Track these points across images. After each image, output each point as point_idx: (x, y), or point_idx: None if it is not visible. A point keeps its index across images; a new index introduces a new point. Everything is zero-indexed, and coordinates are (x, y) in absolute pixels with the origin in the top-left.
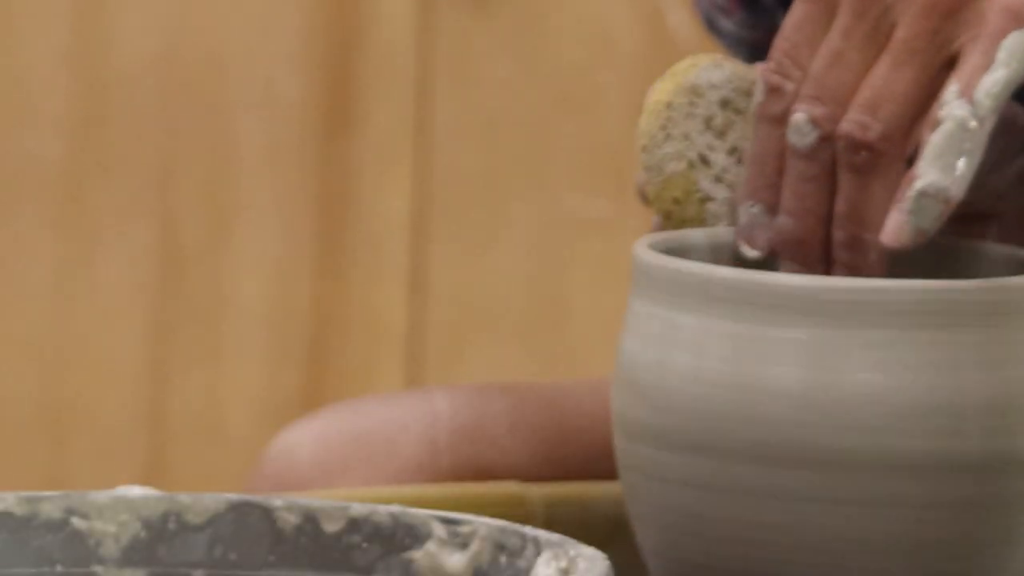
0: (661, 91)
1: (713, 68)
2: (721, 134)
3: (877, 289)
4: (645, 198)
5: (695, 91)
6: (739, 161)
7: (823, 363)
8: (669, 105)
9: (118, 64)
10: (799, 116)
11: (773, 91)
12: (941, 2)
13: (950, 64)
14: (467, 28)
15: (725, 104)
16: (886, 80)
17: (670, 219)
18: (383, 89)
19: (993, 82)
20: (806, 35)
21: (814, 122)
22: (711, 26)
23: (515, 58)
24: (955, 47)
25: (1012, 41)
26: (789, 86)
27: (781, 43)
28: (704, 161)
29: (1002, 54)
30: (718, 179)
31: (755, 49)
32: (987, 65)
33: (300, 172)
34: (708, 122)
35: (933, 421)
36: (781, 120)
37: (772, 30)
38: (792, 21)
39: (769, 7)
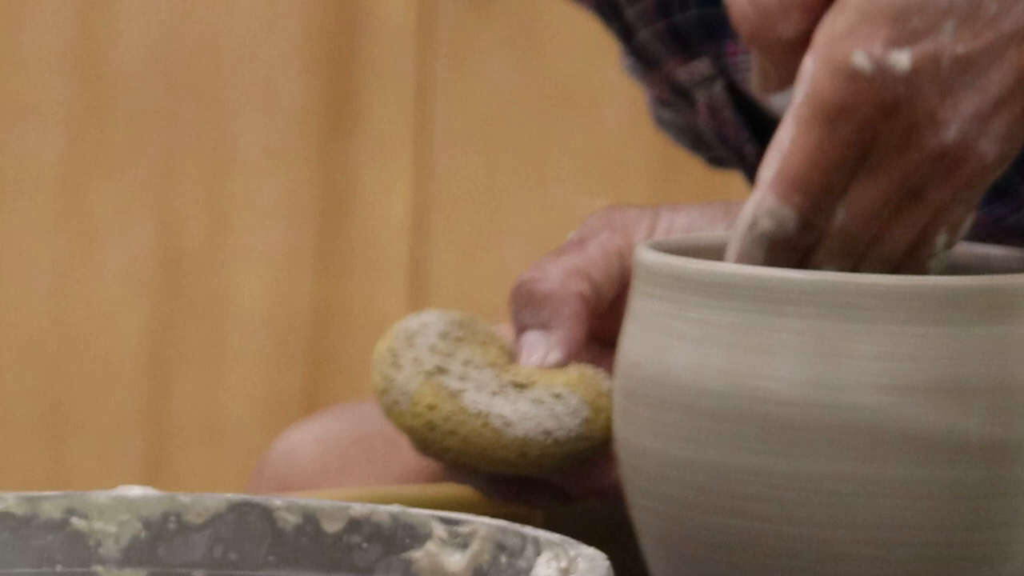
0: (379, 346)
1: (420, 314)
2: (449, 355)
3: (878, 285)
4: (420, 443)
5: (409, 333)
6: (476, 367)
7: (824, 360)
8: (391, 349)
9: (118, 63)
10: (827, 268)
11: (805, 226)
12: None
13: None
14: (467, 28)
15: (444, 335)
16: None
17: (434, 430)
18: (383, 89)
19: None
20: (831, 178)
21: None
22: (659, 121)
23: (515, 58)
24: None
25: None
26: (813, 231)
27: (812, 174)
28: (442, 370)
29: None
30: (463, 378)
31: (696, 135)
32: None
33: (300, 172)
34: (433, 349)
35: (933, 417)
36: (798, 251)
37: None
38: (818, 150)
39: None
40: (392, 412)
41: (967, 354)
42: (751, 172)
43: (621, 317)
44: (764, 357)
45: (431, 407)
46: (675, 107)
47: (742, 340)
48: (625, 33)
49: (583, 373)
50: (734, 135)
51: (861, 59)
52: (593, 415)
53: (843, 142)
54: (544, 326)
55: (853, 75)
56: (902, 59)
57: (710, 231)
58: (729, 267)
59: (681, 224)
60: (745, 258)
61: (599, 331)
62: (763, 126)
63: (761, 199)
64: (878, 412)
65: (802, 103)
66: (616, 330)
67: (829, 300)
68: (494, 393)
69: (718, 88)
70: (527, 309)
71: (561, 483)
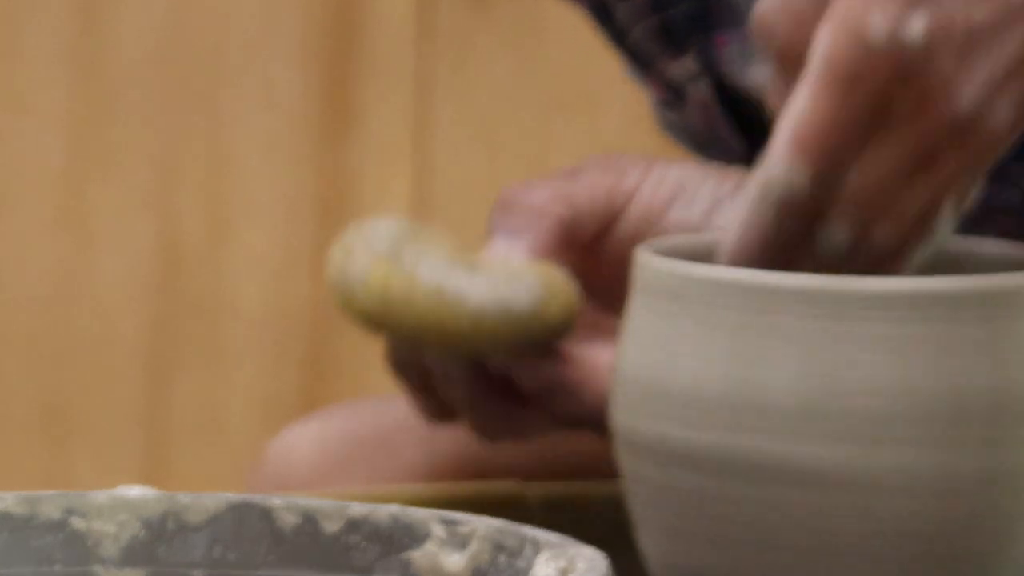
0: (332, 249)
1: (375, 220)
2: (403, 246)
3: (876, 287)
4: (375, 326)
5: (363, 232)
6: (431, 254)
7: (823, 363)
8: (343, 246)
9: (118, 63)
10: (839, 232)
11: (816, 191)
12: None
13: None
14: (467, 28)
15: (398, 231)
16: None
17: (389, 306)
18: (383, 89)
19: None
20: (845, 143)
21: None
22: (664, 125)
23: (515, 58)
24: None
25: None
26: (824, 196)
27: (826, 139)
28: (396, 255)
29: None
30: (417, 261)
31: (695, 136)
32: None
33: (300, 172)
34: (386, 240)
35: (934, 418)
36: (808, 216)
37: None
38: (833, 116)
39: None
40: (347, 301)
41: (964, 356)
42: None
43: (603, 264)
44: (763, 361)
45: (385, 286)
46: (676, 108)
47: (741, 344)
48: (618, 35)
49: (538, 263)
50: (726, 131)
51: (877, 27)
52: (548, 296)
53: (857, 108)
54: (514, 232)
55: (868, 43)
56: (917, 27)
57: (702, 182)
58: (729, 271)
59: (673, 176)
60: (755, 222)
61: (577, 272)
62: (750, 123)
63: (774, 163)
64: (875, 415)
65: (817, 70)
66: (594, 276)
67: (826, 304)
68: (449, 270)
69: (703, 85)
70: (503, 215)
71: (519, 375)
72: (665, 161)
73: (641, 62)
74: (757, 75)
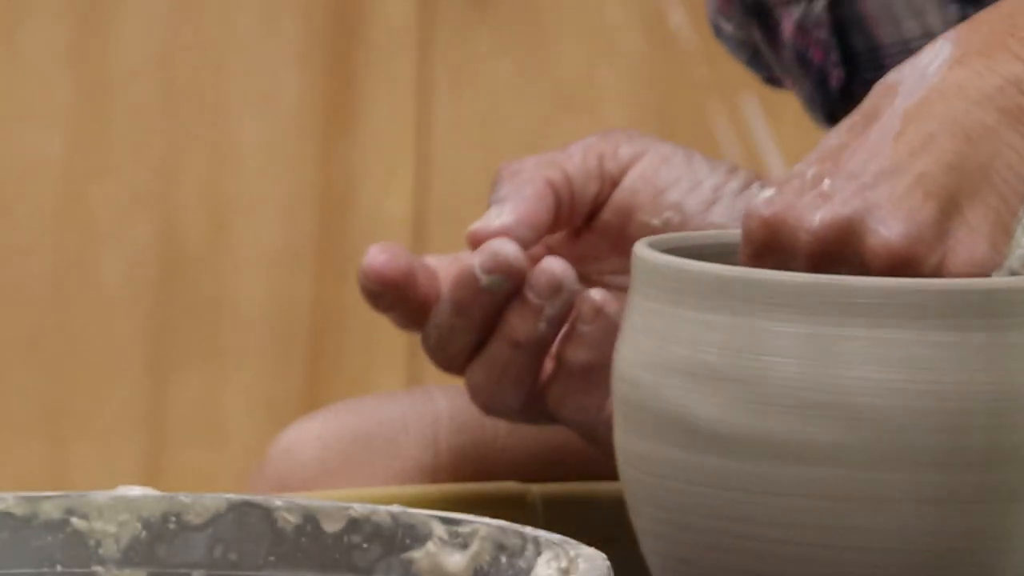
0: None
1: None
2: None
3: (877, 287)
4: None
5: None
6: None
7: (822, 361)
8: None
9: (118, 63)
10: None
11: None
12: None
13: None
14: (467, 28)
15: None
16: None
17: None
18: (383, 89)
19: None
20: None
21: None
22: (717, 32)
23: (515, 58)
24: None
25: None
26: None
27: None
28: None
29: None
30: None
31: (755, 52)
32: None
33: (300, 172)
34: None
35: (933, 419)
36: None
37: (764, 28)
38: None
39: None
40: None
41: (964, 356)
42: (826, 97)
43: (601, 240)
44: (762, 358)
45: None
46: (737, 21)
47: (740, 341)
48: None
49: None
50: (821, 58)
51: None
52: None
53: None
54: (502, 199)
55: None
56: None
57: (709, 173)
58: (726, 268)
59: (680, 158)
60: None
61: (575, 253)
62: (853, 53)
63: None
64: (874, 416)
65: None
66: (592, 253)
67: (825, 302)
68: None
69: (819, 7)
70: (494, 187)
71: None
72: (674, 144)
73: None
74: (884, 30)
